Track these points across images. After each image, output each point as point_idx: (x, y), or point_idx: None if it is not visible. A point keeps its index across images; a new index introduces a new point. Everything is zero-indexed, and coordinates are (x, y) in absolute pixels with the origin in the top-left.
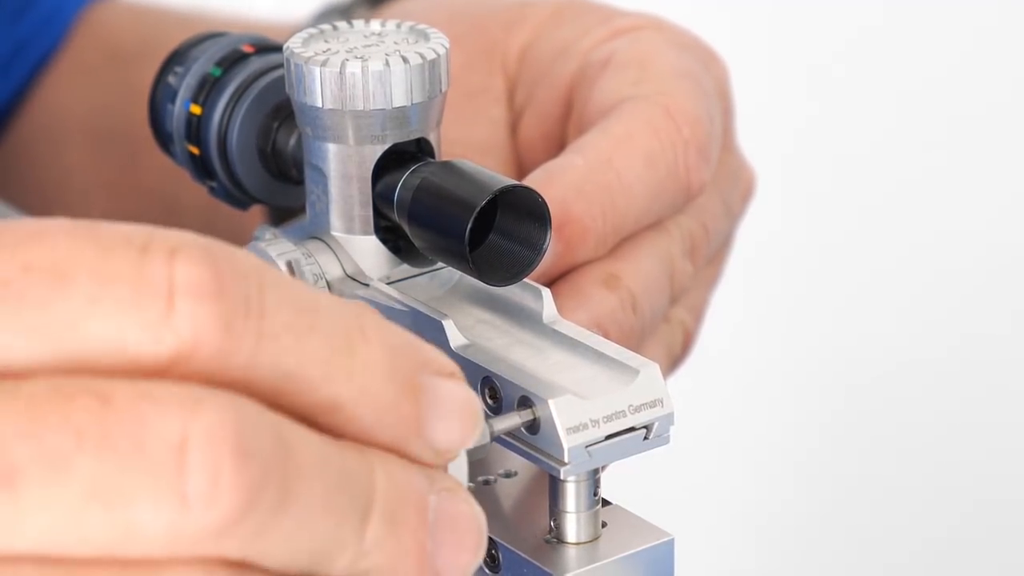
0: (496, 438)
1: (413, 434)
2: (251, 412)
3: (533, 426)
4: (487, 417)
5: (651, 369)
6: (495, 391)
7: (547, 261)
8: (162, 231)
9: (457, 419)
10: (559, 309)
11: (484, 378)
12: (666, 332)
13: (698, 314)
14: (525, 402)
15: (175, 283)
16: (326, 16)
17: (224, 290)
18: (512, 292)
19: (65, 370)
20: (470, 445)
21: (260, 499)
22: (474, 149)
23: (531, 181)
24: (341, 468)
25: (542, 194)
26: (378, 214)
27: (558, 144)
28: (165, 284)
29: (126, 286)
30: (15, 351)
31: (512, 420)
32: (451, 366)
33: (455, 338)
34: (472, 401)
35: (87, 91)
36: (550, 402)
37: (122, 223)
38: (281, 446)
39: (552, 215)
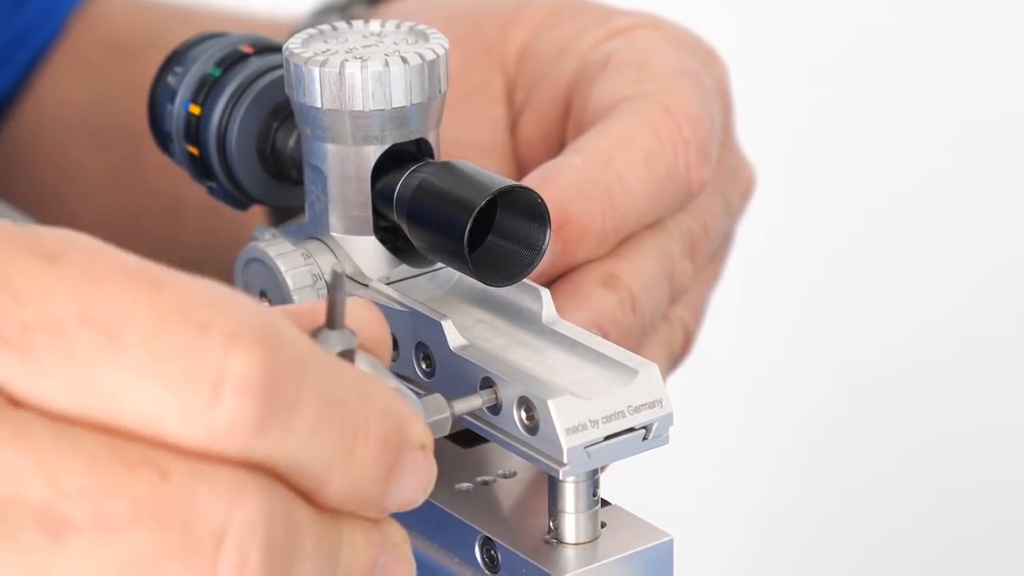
0: (458, 418)
1: (377, 507)
2: (281, 506)
3: (532, 427)
4: (447, 399)
5: (650, 369)
6: (494, 392)
7: (546, 261)
8: (224, 305)
9: (418, 488)
10: (559, 309)
11: (483, 379)
12: (666, 331)
13: (698, 313)
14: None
15: (226, 375)
16: (324, 14)
17: (270, 391)
18: (511, 292)
19: (95, 426)
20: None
21: None
22: (474, 149)
23: (530, 181)
24: (327, 545)
25: (541, 194)
26: (377, 214)
27: (558, 144)
28: (216, 374)
29: (177, 368)
30: (54, 400)
31: (473, 402)
32: (427, 436)
33: (454, 339)
34: (433, 470)
35: (87, 85)
36: (549, 402)
37: (186, 275)
38: (294, 537)
39: (551, 215)
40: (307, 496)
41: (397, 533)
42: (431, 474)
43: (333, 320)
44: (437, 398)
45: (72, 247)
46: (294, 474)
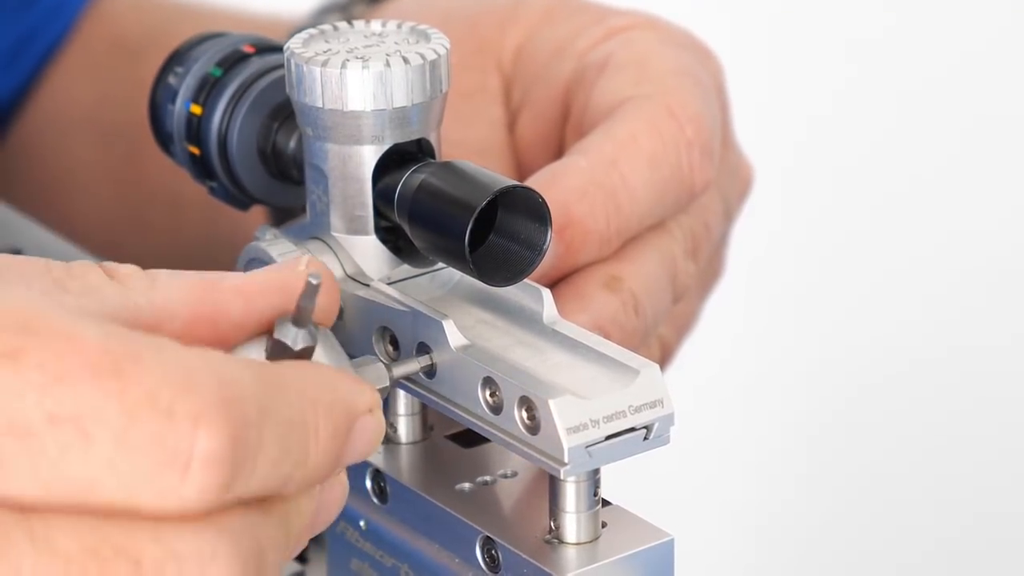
0: (396, 383)
1: (331, 475)
2: (250, 544)
3: (533, 426)
4: (387, 364)
5: (651, 369)
6: (495, 391)
7: (548, 263)
8: (189, 383)
9: (369, 446)
10: (561, 312)
11: (484, 378)
12: (642, 349)
13: (687, 321)
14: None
15: (194, 454)
16: (325, 13)
17: (236, 455)
18: (512, 293)
19: (70, 511)
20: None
21: None
22: (472, 149)
23: (535, 182)
24: (285, 532)
25: (545, 196)
26: (378, 214)
27: (555, 144)
28: (185, 454)
29: (147, 457)
30: (27, 497)
31: (411, 366)
32: (372, 400)
33: (455, 338)
34: (381, 425)
35: (93, 83)
36: (550, 402)
37: (153, 347)
38: (265, 559)
39: (554, 217)
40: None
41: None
42: (380, 429)
43: (299, 320)
44: (378, 367)
45: (32, 339)
46: (259, 496)
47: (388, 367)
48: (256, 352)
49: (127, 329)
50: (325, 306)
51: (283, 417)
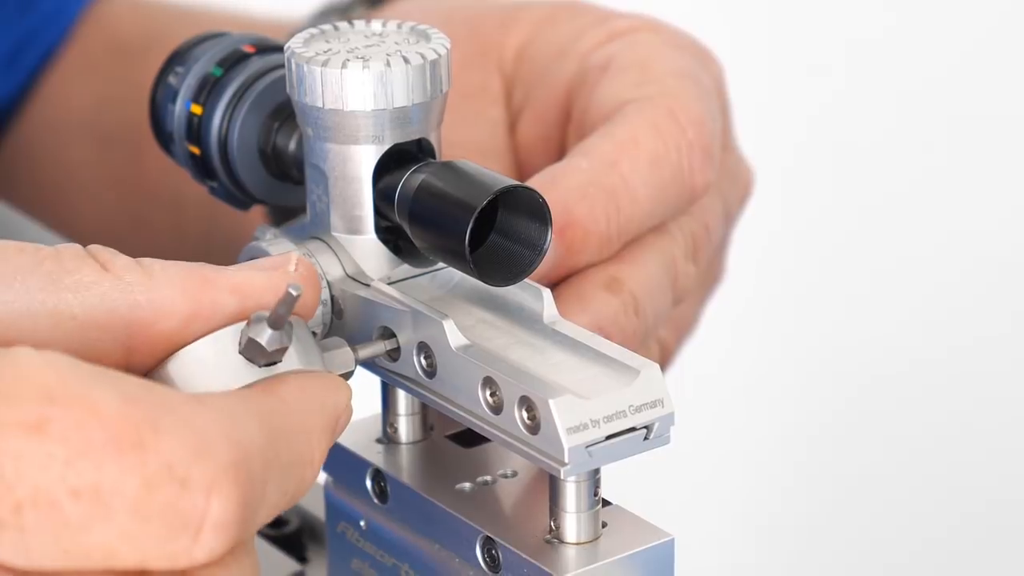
0: (361, 363)
1: None
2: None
3: (533, 426)
4: (350, 344)
5: (651, 369)
6: (495, 391)
7: (549, 264)
8: (205, 451)
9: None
10: (561, 313)
11: (485, 378)
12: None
13: (685, 325)
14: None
15: (206, 519)
16: (325, 15)
17: (245, 515)
18: (513, 292)
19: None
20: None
21: None
22: (473, 150)
23: (535, 183)
24: None
25: (546, 197)
26: (379, 214)
27: (557, 146)
28: (197, 521)
29: (162, 526)
30: (48, 564)
31: (376, 347)
32: (348, 395)
33: (455, 338)
34: (351, 414)
35: (92, 86)
36: (550, 402)
37: (176, 411)
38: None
39: (554, 218)
40: None
41: None
42: (351, 415)
43: (276, 324)
44: (345, 352)
45: (54, 409)
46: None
47: (354, 349)
48: (231, 337)
49: (140, 383)
50: (305, 302)
51: (285, 461)
